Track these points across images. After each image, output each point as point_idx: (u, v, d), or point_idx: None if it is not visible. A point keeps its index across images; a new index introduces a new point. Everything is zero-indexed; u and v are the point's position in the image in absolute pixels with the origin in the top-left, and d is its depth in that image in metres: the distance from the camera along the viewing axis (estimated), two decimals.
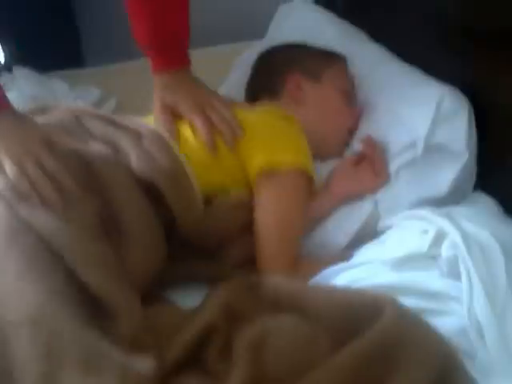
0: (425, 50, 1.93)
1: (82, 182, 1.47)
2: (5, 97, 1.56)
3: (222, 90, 2.20)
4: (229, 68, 2.29)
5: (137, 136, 1.67)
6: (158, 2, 1.73)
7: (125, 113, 1.82)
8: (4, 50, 2.59)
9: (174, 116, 1.75)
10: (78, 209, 1.44)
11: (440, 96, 1.73)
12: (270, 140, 1.70)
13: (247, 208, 1.68)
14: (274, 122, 1.75)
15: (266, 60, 2.02)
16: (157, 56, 1.80)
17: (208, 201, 1.66)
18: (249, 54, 2.19)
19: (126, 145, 1.63)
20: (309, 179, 1.72)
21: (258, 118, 1.75)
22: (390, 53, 2.04)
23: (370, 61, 2.02)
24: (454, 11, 1.81)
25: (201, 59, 2.39)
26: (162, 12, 1.74)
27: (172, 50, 1.81)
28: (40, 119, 1.66)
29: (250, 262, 1.66)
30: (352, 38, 2.15)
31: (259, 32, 2.35)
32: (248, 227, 1.67)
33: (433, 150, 1.73)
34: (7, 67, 2.32)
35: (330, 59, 1.96)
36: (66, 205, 1.42)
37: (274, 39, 2.18)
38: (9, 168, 1.44)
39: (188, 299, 1.52)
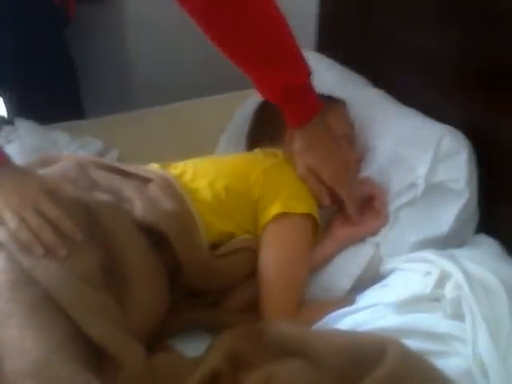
0: (424, 91, 1.97)
1: (84, 230, 1.48)
2: (3, 151, 1.57)
3: (224, 138, 2.23)
4: (230, 116, 2.32)
5: (142, 182, 1.70)
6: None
7: (127, 163, 1.84)
8: (6, 104, 2.63)
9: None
10: (80, 258, 1.44)
11: (440, 136, 1.76)
12: (284, 190, 1.72)
13: (253, 255, 1.70)
14: (284, 169, 1.78)
15: (267, 107, 2.04)
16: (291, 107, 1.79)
17: (215, 247, 1.68)
18: (250, 101, 2.23)
19: (130, 192, 1.65)
20: (315, 224, 1.74)
21: (270, 168, 1.77)
22: (391, 96, 2.07)
23: (370, 104, 2.05)
24: (453, 52, 1.86)
25: (203, 108, 2.44)
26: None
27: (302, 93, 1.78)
28: (44, 170, 1.69)
29: (253, 309, 1.67)
30: (352, 83, 2.19)
31: None
32: (253, 274, 1.69)
33: (433, 190, 1.74)
34: (8, 120, 2.35)
35: (330, 104, 1.98)
36: (68, 253, 1.43)
37: None
38: (9, 219, 1.45)
39: (192, 347, 1.53)
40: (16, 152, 1.72)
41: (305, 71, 1.77)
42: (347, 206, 1.77)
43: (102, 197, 1.61)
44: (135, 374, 1.34)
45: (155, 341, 1.53)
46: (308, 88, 1.78)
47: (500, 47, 1.70)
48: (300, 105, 1.77)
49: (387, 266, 1.68)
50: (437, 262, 1.53)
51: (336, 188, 1.77)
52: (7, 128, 2.23)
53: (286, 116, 1.79)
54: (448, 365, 1.33)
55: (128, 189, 1.67)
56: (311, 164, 1.77)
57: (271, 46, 1.73)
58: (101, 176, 1.72)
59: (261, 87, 1.81)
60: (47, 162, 1.77)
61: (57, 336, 1.31)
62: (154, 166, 1.82)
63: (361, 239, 1.80)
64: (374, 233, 1.79)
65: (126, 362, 1.34)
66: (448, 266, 1.49)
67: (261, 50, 1.72)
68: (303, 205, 1.71)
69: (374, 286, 1.64)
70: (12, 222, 1.45)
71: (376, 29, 2.22)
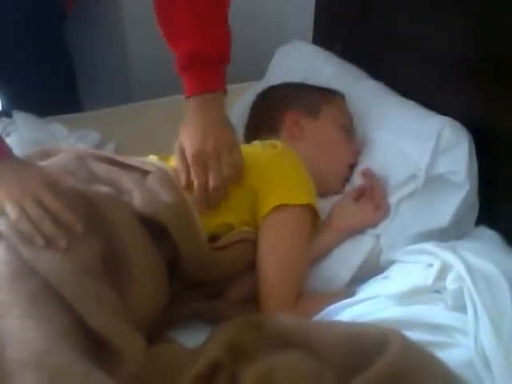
0: (424, 83, 1.97)
1: (85, 222, 1.48)
2: (5, 144, 1.57)
3: None
4: (228, 108, 2.31)
5: (140, 174, 1.70)
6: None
7: (125, 155, 1.84)
8: (3, 97, 2.62)
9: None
10: (81, 249, 1.44)
11: (440, 128, 1.75)
12: (283, 181, 1.72)
13: (252, 247, 1.69)
14: (283, 160, 1.77)
15: (264, 98, 2.06)
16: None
17: (214, 239, 1.68)
18: (248, 94, 2.23)
19: (129, 184, 1.64)
20: (314, 214, 1.73)
21: (269, 159, 1.76)
22: (389, 89, 2.07)
23: (368, 96, 2.05)
24: (452, 45, 1.85)
25: None
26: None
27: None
28: (44, 162, 1.69)
29: (253, 301, 1.67)
30: (350, 76, 2.19)
31: (259, 73, 2.39)
32: (252, 266, 1.68)
33: (434, 182, 1.74)
34: (5, 113, 2.34)
35: (328, 96, 2.00)
36: (68, 244, 1.42)
37: (273, 79, 2.22)
38: (10, 210, 1.44)
39: (191, 338, 1.52)
40: (14, 144, 1.71)
41: (221, 48, 1.80)
42: (193, 190, 1.70)
43: (101, 189, 1.60)
44: (136, 363, 1.33)
45: (155, 332, 1.52)
46: (216, 64, 1.78)
47: (501, 38, 1.69)
48: (199, 75, 1.78)
49: (388, 257, 1.68)
50: (438, 253, 1.53)
51: (191, 170, 1.70)
52: (5, 120, 2.22)
53: (184, 81, 1.81)
54: (449, 356, 1.32)
55: (127, 181, 1.66)
56: (181, 136, 1.76)
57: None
58: (100, 168, 1.72)
59: (173, 45, 1.83)
60: (46, 154, 1.77)
61: (58, 326, 1.30)
62: (153, 158, 1.81)
63: (360, 231, 1.80)
64: (373, 225, 1.79)
65: (126, 351, 1.33)
66: (449, 257, 1.49)
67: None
68: (303, 195, 1.70)
69: (375, 278, 1.64)
70: (12, 213, 1.44)
71: (375, 21, 2.22)
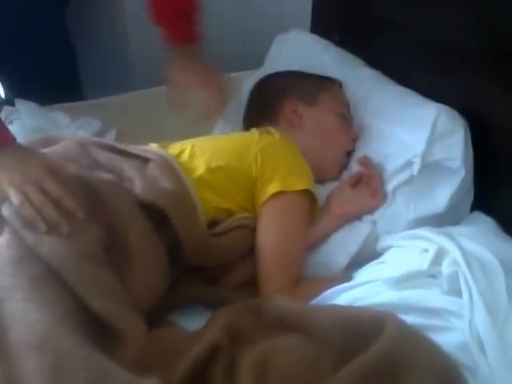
0: (421, 72, 1.97)
1: (86, 208, 1.48)
2: (9, 132, 1.57)
3: (221, 119, 2.23)
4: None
5: (141, 162, 1.70)
6: None
7: (126, 143, 1.84)
8: (4, 85, 2.62)
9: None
10: (82, 235, 1.44)
11: (436, 115, 1.75)
12: (281, 168, 1.72)
13: (251, 232, 1.70)
14: (281, 147, 1.78)
15: (263, 87, 2.06)
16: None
17: (214, 224, 1.68)
18: (247, 82, 2.23)
19: (130, 172, 1.65)
20: (312, 200, 1.74)
21: (267, 146, 1.76)
22: (386, 77, 2.07)
23: (365, 85, 2.05)
24: (450, 33, 1.85)
25: None
26: None
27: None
28: (46, 149, 1.69)
29: (252, 285, 1.67)
30: (348, 64, 2.19)
31: (257, 62, 2.39)
32: (251, 251, 1.69)
33: (429, 168, 1.74)
34: (8, 101, 2.34)
35: (326, 84, 2.00)
36: (70, 230, 1.43)
37: (271, 68, 2.22)
38: (13, 196, 1.45)
39: (191, 322, 1.52)
40: (17, 132, 1.70)
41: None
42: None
43: (103, 176, 1.61)
44: (136, 346, 1.33)
45: (156, 316, 1.53)
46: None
47: (498, 26, 1.69)
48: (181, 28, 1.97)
49: (384, 243, 1.68)
50: (433, 239, 1.53)
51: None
52: (8, 109, 2.22)
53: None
54: (445, 339, 1.33)
55: (128, 168, 1.67)
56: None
57: None
58: (102, 156, 1.72)
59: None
60: (49, 142, 1.77)
61: (60, 310, 1.31)
62: (153, 146, 1.82)
63: (357, 217, 1.80)
64: (370, 211, 1.79)
65: (127, 334, 1.33)
66: (445, 242, 1.49)
67: None
68: (301, 182, 1.71)
69: (371, 263, 1.64)
70: (15, 199, 1.44)
71: (372, 10, 2.22)
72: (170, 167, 1.69)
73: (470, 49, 1.79)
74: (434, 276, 1.49)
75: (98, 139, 1.92)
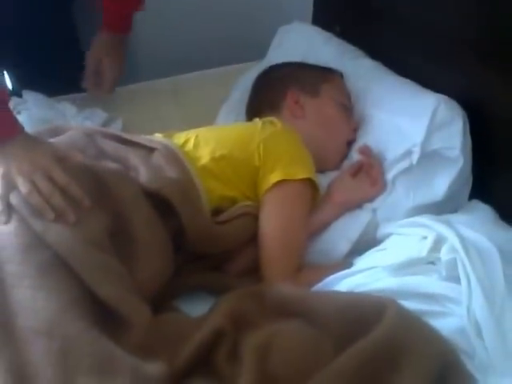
0: (420, 62, 1.97)
1: (92, 196, 1.49)
2: (17, 122, 1.58)
3: (224, 109, 2.24)
4: (231, 87, 2.32)
5: (146, 151, 1.71)
6: None
7: (131, 133, 1.85)
8: (11, 77, 2.62)
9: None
10: (89, 223, 1.45)
11: (435, 105, 1.75)
12: (283, 157, 1.73)
13: (254, 220, 1.70)
14: (283, 137, 1.78)
15: (266, 78, 2.06)
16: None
17: (217, 212, 1.69)
18: (250, 73, 2.23)
19: (136, 161, 1.66)
20: (314, 189, 1.75)
21: (269, 136, 1.77)
22: (386, 68, 2.08)
23: (366, 75, 2.06)
24: (450, 25, 1.85)
25: (204, 80, 2.45)
26: None
27: None
28: (54, 139, 1.69)
29: (255, 272, 1.68)
30: (349, 56, 2.19)
31: (260, 53, 2.39)
32: (254, 238, 1.70)
33: (429, 157, 1.74)
34: (16, 92, 2.34)
35: (327, 74, 2.01)
36: (77, 218, 1.44)
37: (274, 59, 2.22)
38: (21, 184, 1.46)
39: (196, 308, 1.54)
40: (25, 123, 1.71)
41: None
42: None
43: (109, 165, 1.62)
44: (142, 332, 1.35)
45: (160, 303, 1.54)
46: None
47: (499, 17, 1.69)
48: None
49: (384, 230, 1.69)
50: (432, 226, 1.53)
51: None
52: (16, 100, 2.22)
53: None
54: (443, 324, 1.34)
55: (133, 157, 1.68)
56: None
57: None
58: (108, 145, 1.73)
59: None
60: (56, 131, 1.78)
61: (67, 296, 1.32)
62: (158, 136, 1.83)
63: (358, 205, 1.80)
64: (370, 199, 1.79)
65: (132, 320, 1.35)
66: (443, 230, 1.50)
67: None
68: (303, 170, 1.71)
69: (372, 250, 1.65)
70: (24, 187, 1.45)
71: (374, 2, 2.22)
72: (174, 156, 1.70)
73: (470, 39, 1.79)
74: (432, 263, 1.50)
75: (104, 129, 1.94)
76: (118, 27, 2.24)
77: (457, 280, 1.42)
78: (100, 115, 2.26)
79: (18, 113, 2.12)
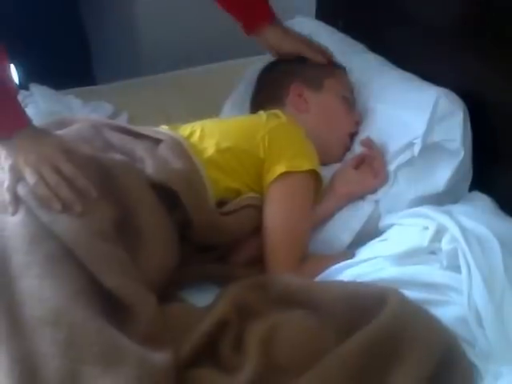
0: (421, 56, 1.97)
1: (99, 188, 1.49)
2: (25, 114, 1.59)
3: (229, 101, 2.24)
4: (236, 81, 2.32)
5: (153, 143, 1.71)
6: None
7: (137, 125, 1.85)
8: (18, 70, 2.63)
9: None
10: (95, 214, 1.45)
11: (436, 98, 1.75)
12: (287, 149, 1.73)
13: (258, 212, 1.71)
14: (287, 129, 1.79)
15: (269, 72, 2.06)
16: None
17: (222, 204, 1.69)
18: (254, 68, 2.23)
19: (142, 152, 1.66)
20: (317, 181, 1.75)
21: (274, 128, 1.77)
22: (389, 62, 2.08)
23: (368, 69, 2.05)
24: (451, 18, 1.85)
25: (209, 74, 2.45)
26: None
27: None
28: (61, 131, 1.69)
29: (259, 262, 1.68)
30: (352, 50, 2.19)
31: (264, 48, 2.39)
32: (258, 229, 1.70)
33: (430, 150, 1.74)
34: (23, 85, 2.35)
35: (331, 69, 2.00)
36: (83, 209, 1.44)
37: None
38: (28, 175, 1.46)
39: (201, 298, 1.54)
40: (32, 116, 1.71)
41: None
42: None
43: (115, 156, 1.62)
44: (148, 321, 1.35)
45: (166, 293, 1.54)
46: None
47: (498, 9, 1.68)
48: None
49: (386, 221, 1.69)
50: (434, 217, 1.53)
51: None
52: (23, 93, 2.23)
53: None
54: (444, 313, 1.35)
55: (140, 149, 1.68)
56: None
57: None
58: (114, 137, 1.73)
59: None
60: (63, 123, 1.77)
61: (74, 286, 1.32)
62: (164, 128, 1.82)
63: (360, 197, 1.80)
64: (373, 191, 1.79)
65: (138, 309, 1.35)
66: (444, 220, 1.50)
67: None
68: (306, 162, 1.71)
69: (374, 241, 1.65)
70: (31, 178, 1.46)
71: None
72: (180, 148, 1.70)
73: (470, 31, 1.79)
74: (433, 252, 1.50)
75: (110, 121, 1.94)
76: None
77: (457, 269, 1.42)
78: (106, 108, 2.27)
79: (25, 106, 2.13)
